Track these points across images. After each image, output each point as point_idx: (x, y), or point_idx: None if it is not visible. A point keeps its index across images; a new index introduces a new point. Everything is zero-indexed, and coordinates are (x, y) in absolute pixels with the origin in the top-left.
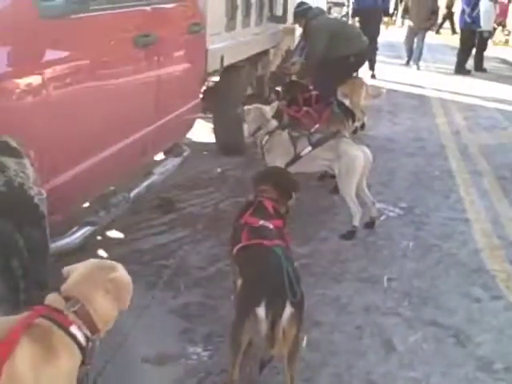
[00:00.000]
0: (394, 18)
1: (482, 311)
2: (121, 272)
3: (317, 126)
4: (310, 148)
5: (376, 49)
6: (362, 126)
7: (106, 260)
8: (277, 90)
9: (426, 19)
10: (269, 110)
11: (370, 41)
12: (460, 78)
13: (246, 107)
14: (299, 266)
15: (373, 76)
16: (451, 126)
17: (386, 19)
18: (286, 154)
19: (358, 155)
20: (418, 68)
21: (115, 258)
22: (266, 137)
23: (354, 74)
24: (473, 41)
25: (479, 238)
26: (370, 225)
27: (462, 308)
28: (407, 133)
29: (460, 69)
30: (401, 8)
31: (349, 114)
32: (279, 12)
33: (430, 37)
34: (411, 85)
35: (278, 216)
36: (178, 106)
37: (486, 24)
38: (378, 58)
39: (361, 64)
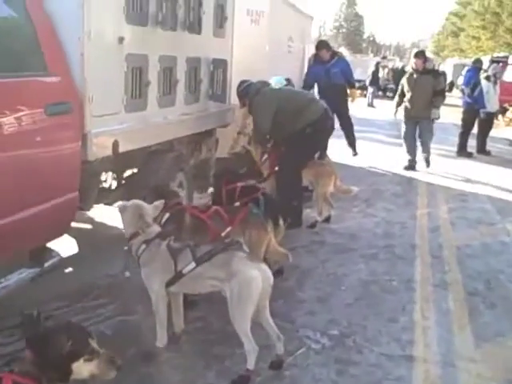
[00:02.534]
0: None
1: None
2: None
3: (228, 229)
4: (193, 264)
5: (351, 125)
6: (328, 219)
7: None
8: None
9: (426, 105)
10: (150, 209)
11: (340, 118)
12: (459, 162)
13: (120, 203)
14: None
15: (355, 155)
16: (432, 219)
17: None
18: (166, 270)
19: (254, 276)
20: (428, 165)
21: None
22: (143, 246)
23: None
24: (474, 121)
25: None
26: (275, 365)
27: None
28: (376, 228)
29: (461, 151)
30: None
31: (275, 214)
32: (219, 90)
33: None
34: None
35: None
36: (16, 207)
37: (489, 105)
38: (361, 135)
39: (323, 134)
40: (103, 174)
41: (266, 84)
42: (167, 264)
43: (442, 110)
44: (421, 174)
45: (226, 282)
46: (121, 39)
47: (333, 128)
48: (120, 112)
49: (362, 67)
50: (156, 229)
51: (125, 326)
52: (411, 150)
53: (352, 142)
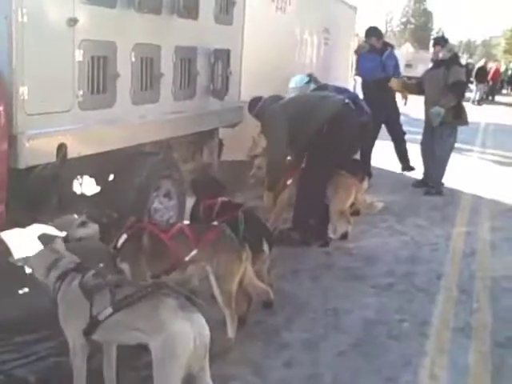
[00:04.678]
0: None
1: None
2: None
3: (193, 253)
4: (110, 310)
5: (403, 133)
6: (344, 236)
7: None
8: None
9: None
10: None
11: (389, 122)
12: None
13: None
14: None
15: (410, 169)
16: (469, 240)
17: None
18: (80, 314)
19: (183, 331)
20: (440, 193)
21: None
22: (58, 283)
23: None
24: None
25: None
26: None
27: None
28: (401, 249)
29: None
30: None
31: (257, 236)
32: (218, 85)
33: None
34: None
35: None
36: None
37: None
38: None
39: (344, 132)
40: (72, 179)
41: (275, 99)
42: (81, 306)
43: (502, 109)
44: (467, 184)
45: (152, 336)
46: (71, 21)
47: (369, 123)
48: (71, 109)
49: (425, 64)
50: (68, 260)
51: (56, 369)
52: (425, 164)
53: (402, 155)
